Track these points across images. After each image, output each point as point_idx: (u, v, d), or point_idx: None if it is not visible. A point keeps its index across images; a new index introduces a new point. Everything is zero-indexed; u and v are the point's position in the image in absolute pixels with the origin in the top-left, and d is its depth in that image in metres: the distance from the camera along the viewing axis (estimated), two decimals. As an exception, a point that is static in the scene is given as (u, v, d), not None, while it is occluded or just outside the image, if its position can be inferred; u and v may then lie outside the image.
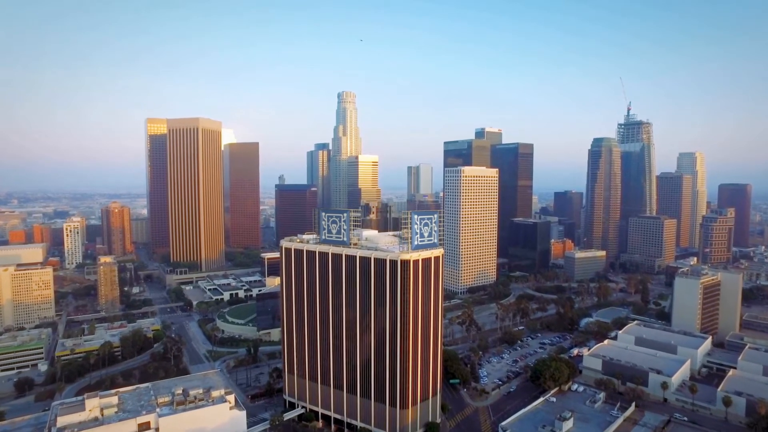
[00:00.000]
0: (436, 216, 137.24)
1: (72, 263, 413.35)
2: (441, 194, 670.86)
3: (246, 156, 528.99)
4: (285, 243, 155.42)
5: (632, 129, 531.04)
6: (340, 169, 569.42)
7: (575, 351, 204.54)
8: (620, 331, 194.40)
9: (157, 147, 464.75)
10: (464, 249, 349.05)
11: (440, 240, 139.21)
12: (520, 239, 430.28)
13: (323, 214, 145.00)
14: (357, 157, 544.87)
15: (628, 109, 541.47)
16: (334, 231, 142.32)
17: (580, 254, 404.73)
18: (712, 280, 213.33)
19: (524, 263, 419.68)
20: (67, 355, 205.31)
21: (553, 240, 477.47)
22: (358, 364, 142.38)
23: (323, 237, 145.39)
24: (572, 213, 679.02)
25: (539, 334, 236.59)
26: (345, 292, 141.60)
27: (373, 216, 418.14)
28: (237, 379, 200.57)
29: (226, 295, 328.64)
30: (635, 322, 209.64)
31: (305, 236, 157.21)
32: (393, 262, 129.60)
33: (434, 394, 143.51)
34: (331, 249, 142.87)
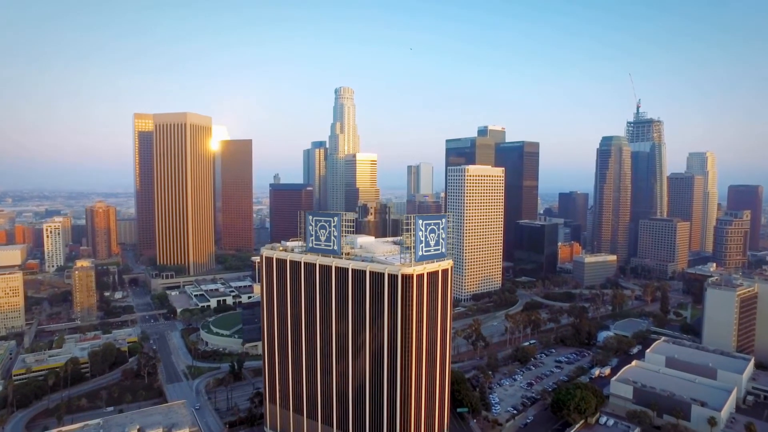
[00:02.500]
0: (444, 221, 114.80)
1: (52, 266, 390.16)
2: (442, 194, 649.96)
3: (239, 154, 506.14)
4: (266, 251, 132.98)
5: (642, 127, 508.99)
6: (337, 168, 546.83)
7: (596, 371, 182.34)
8: (648, 351, 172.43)
9: (145, 143, 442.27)
10: (468, 253, 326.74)
11: (450, 249, 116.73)
12: (526, 242, 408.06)
13: (310, 217, 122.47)
14: (355, 156, 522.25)
15: (638, 107, 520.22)
16: (322, 238, 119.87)
17: (589, 259, 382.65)
18: (749, 291, 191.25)
19: (529, 267, 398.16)
20: (23, 374, 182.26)
21: (559, 243, 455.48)
22: (350, 397, 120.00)
23: (310, 245, 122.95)
24: (577, 214, 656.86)
25: (553, 350, 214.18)
26: (335, 311, 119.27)
27: (371, 217, 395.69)
28: (216, 400, 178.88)
29: (213, 302, 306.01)
30: (662, 338, 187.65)
31: (290, 243, 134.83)
32: (392, 277, 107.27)
33: (441, 430, 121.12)
34: (318, 259, 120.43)
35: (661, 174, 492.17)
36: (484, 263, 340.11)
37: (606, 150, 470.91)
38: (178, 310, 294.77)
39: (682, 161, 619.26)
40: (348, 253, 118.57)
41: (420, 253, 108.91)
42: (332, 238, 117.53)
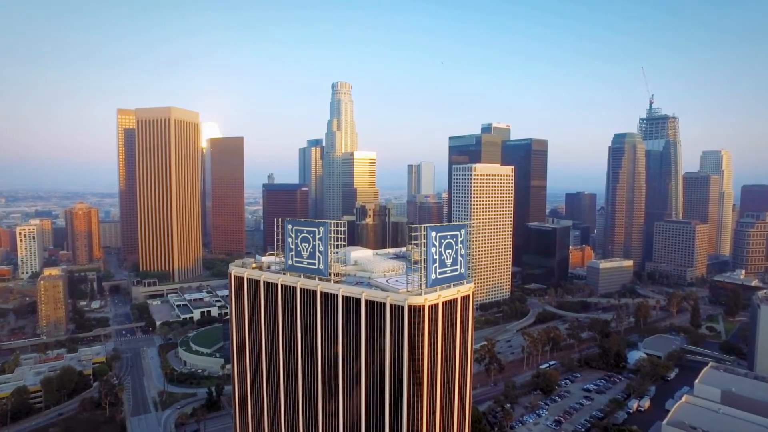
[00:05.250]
0: (463, 232, 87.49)
1: (26, 272, 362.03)
2: (444, 195, 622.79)
3: (230, 151, 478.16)
4: (235, 269, 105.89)
5: (655, 124, 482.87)
6: (334, 167, 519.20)
7: (634, 404, 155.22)
8: (697, 381, 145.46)
9: (130, 141, 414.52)
10: (475, 259, 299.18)
11: (470, 269, 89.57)
12: (535, 246, 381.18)
13: (290, 226, 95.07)
14: (352, 154, 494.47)
15: (651, 103, 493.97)
16: (305, 253, 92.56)
17: (604, 264, 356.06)
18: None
19: (538, 273, 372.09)
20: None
21: (570, 247, 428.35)
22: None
23: (290, 262, 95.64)
24: (584, 216, 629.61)
25: (578, 374, 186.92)
26: (321, 346, 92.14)
27: (369, 220, 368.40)
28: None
29: (197, 314, 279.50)
30: (710, 364, 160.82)
31: (266, 258, 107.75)
32: (397, 309, 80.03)
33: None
34: (300, 281, 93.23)
35: (677, 173, 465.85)
36: (493, 270, 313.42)
37: (619, 148, 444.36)
38: (158, 323, 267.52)
39: (692, 160, 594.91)
40: (337, 274, 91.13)
41: (433, 276, 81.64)
42: (317, 254, 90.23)
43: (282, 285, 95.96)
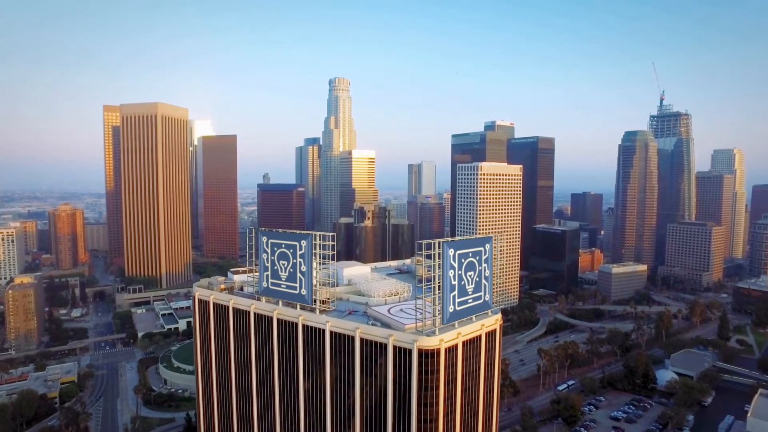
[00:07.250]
0: (489, 247, 67.14)
1: (4, 278, 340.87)
2: (445, 195, 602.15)
3: (222, 150, 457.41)
4: (200, 290, 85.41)
5: (667, 122, 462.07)
6: (331, 166, 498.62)
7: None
8: (750, 415, 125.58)
9: (117, 139, 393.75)
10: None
11: (494, 294, 69.32)
12: (542, 249, 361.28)
13: (264, 238, 74.50)
14: (350, 153, 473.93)
15: (661, 99, 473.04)
16: (283, 274, 72.12)
17: (617, 269, 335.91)
18: None
19: (546, 276, 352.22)
20: None
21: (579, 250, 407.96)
22: None
23: (265, 284, 75.14)
24: (590, 217, 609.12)
25: (602, 398, 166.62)
26: (304, 391, 71.72)
27: (368, 222, 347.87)
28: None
29: (182, 324, 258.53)
30: (759, 392, 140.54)
31: (238, 277, 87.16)
32: (403, 352, 59.63)
33: None
34: (277, 310, 72.81)
35: (689, 172, 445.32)
36: (500, 276, 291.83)
37: (630, 146, 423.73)
38: (139, 335, 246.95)
39: (700, 159, 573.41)
40: (324, 302, 70.47)
41: (451, 308, 61.26)
42: (298, 275, 69.77)
43: (256, 313, 75.48)
